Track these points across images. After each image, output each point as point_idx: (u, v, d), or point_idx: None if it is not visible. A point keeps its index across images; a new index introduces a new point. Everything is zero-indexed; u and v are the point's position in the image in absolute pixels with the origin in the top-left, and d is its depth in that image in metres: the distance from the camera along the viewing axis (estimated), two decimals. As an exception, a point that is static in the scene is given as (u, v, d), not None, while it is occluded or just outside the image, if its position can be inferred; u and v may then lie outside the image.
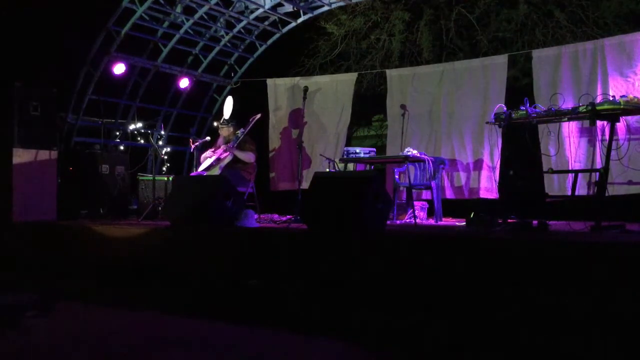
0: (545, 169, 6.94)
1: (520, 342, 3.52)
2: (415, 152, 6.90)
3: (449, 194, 8.03)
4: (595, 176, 6.45)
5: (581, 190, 6.51)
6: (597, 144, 6.83)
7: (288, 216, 7.19)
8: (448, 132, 8.16)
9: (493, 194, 7.60)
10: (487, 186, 7.76)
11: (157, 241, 5.74)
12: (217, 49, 9.57)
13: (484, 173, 7.81)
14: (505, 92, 7.72)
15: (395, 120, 8.51)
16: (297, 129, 9.11)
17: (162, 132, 9.86)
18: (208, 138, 7.97)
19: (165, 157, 10.29)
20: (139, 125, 10.05)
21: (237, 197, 6.02)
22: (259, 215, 7.15)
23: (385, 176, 8.16)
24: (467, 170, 7.98)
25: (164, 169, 10.23)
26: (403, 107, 8.17)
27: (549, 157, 7.13)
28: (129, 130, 9.90)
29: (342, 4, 9.22)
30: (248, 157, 7.07)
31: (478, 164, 7.88)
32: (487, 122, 6.27)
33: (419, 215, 7.23)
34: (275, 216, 7.84)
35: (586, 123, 6.61)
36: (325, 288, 4.66)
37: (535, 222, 5.32)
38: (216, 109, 10.18)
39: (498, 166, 7.46)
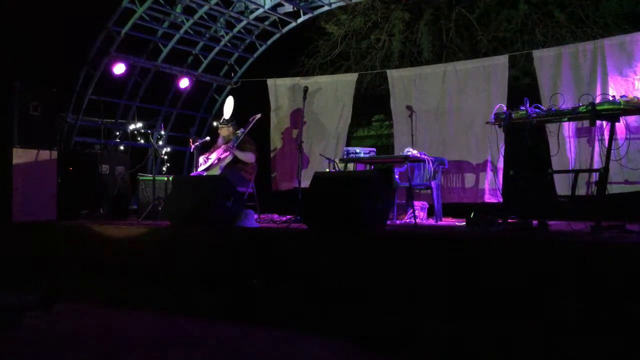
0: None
1: (520, 342, 3.52)
2: (415, 152, 6.90)
3: (458, 198, 8.02)
4: (594, 176, 6.46)
5: (580, 190, 6.51)
6: (596, 144, 6.83)
7: (288, 216, 7.19)
8: (456, 134, 8.17)
9: (497, 197, 7.63)
10: (492, 188, 7.77)
11: (157, 241, 5.74)
12: (217, 49, 9.57)
13: (489, 175, 7.82)
14: (507, 93, 7.74)
15: (402, 121, 8.53)
16: (297, 129, 9.12)
17: (162, 132, 9.86)
18: (208, 138, 7.97)
19: (165, 157, 10.29)
20: (139, 125, 10.05)
21: (237, 197, 6.02)
22: (259, 215, 7.14)
23: (391, 177, 8.16)
24: (473, 171, 7.98)
25: (164, 169, 10.23)
26: (409, 107, 8.20)
27: (549, 157, 7.13)
28: (129, 130, 9.89)
29: (342, 4, 9.22)
30: (248, 157, 7.07)
31: (483, 166, 7.89)
32: (487, 122, 6.27)
33: (419, 215, 7.23)
34: (275, 216, 7.84)
35: (586, 123, 6.61)
36: (325, 288, 4.66)
37: (535, 222, 5.32)
38: (216, 109, 10.19)
39: (501, 167, 7.49)
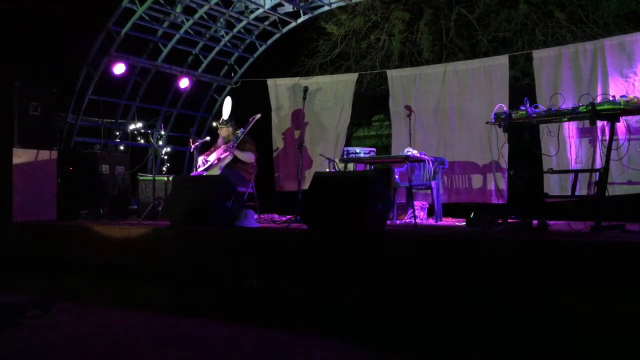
0: (545, 169, 6.95)
1: (521, 342, 3.51)
2: (415, 152, 6.90)
3: (458, 198, 8.02)
4: (596, 176, 6.46)
5: (582, 191, 6.51)
6: (598, 144, 6.83)
7: (288, 216, 7.19)
8: (457, 135, 8.16)
9: (500, 198, 7.62)
10: (495, 188, 7.77)
11: (157, 241, 5.73)
12: (217, 49, 9.57)
13: (492, 175, 7.82)
14: (508, 93, 7.74)
15: (400, 121, 8.53)
16: (298, 129, 9.13)
17: (162, 132, 9.86)
18: (208, 138, 7.97)
19: (165, 157, 10.29)
20: (139, 125, 10.06)
21: (237, 197, 6.02)
22: (259, 215, 7.14)
23: (390, 176, 8.16)
24: (476, 172, 7.98)
25: (164, 169, 10.23)
26: (408, 107, 8.19)
27: (549, 157, 7.14)
28: (129, 130, 9.90)
29: (342, 4, 9.22)
30: (248, 157, 7.07)
31: (486, 166, 7.89)
32: (487, 122, 6.28)
33: (419, 215, 7.23)
34: (275, 216, 7.84)
35: (587, 123, 6.60)
36: (325, 288, 4.66)
37: (535, 222, 5.32)
38: (216, 109, 10.19)
39: (504, 167, 7.48)
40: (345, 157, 7.43)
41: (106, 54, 8.33)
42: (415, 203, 7.17)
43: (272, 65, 10.35)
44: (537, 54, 7.82)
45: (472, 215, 5.72)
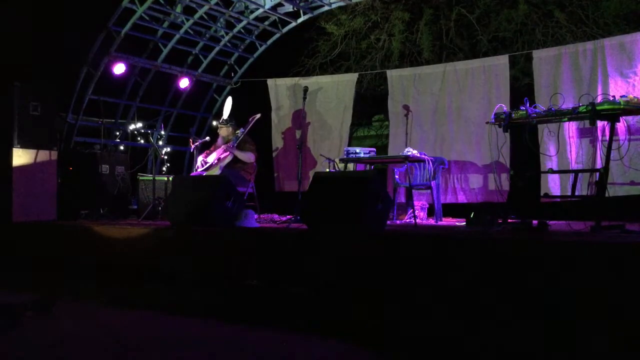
0: (546, 169, 6.95)
1: (521, 342, 3.51)
2: (415, 152, 6.90)
3: (461, 198, 8.02)
4: (596, 176, 6.45)
5: (582, 191, 6.51)
6: (598, 144, 6.83)
7: (288, 216, 7.19)
8: (456, 135, 8.15)
9: (500, 197, 7.61)
10: (494, 189, 7.75)
11: (157, 241, 5.74)
12: (217, 49, 9.57)
13: (492, 175, 7.80)
14: (508, 93, 7.74)
15: (398, 121, 8.53)
16: (299, 129, 9.12)
17: (162, 132, 9.86)
18: (208, 138, 7.97)
19: (165, 157, 10.29)
20: (139, 125, 10.06)
21: (237, 197, 6.02)
22: (259, 215, 7.15)
23: (386, 176, 8.15)
24: (476, 172, 7.97)
25: (164, 169, 10.23)
26: (406, 107, 8.18)
27: (549, 157, 7.13)
28: (129, 130, 9.90)
29: (342, 4, 9.23)
30: (248, 157, 7.07)
31: (486, 166, 7.88)
32: (487, 122, 6.28)
33: (419, 215, 7.23)
34: (275, 216, 7.84)
35: (587, 123, 6.60)
36: (325, 288, 4.66)
37: (535, 222, 5.32)
38: (216, 109, 10.19)
39: (504, 167, 7.48)
40: (345, 157, 7.43)
41: (106, 54, 8.33)
42: (415, 203, 7.17)
43: (272, 65, 10.35)
44: (537, 54, 7.82)
45: (472, 215, 5.72)
